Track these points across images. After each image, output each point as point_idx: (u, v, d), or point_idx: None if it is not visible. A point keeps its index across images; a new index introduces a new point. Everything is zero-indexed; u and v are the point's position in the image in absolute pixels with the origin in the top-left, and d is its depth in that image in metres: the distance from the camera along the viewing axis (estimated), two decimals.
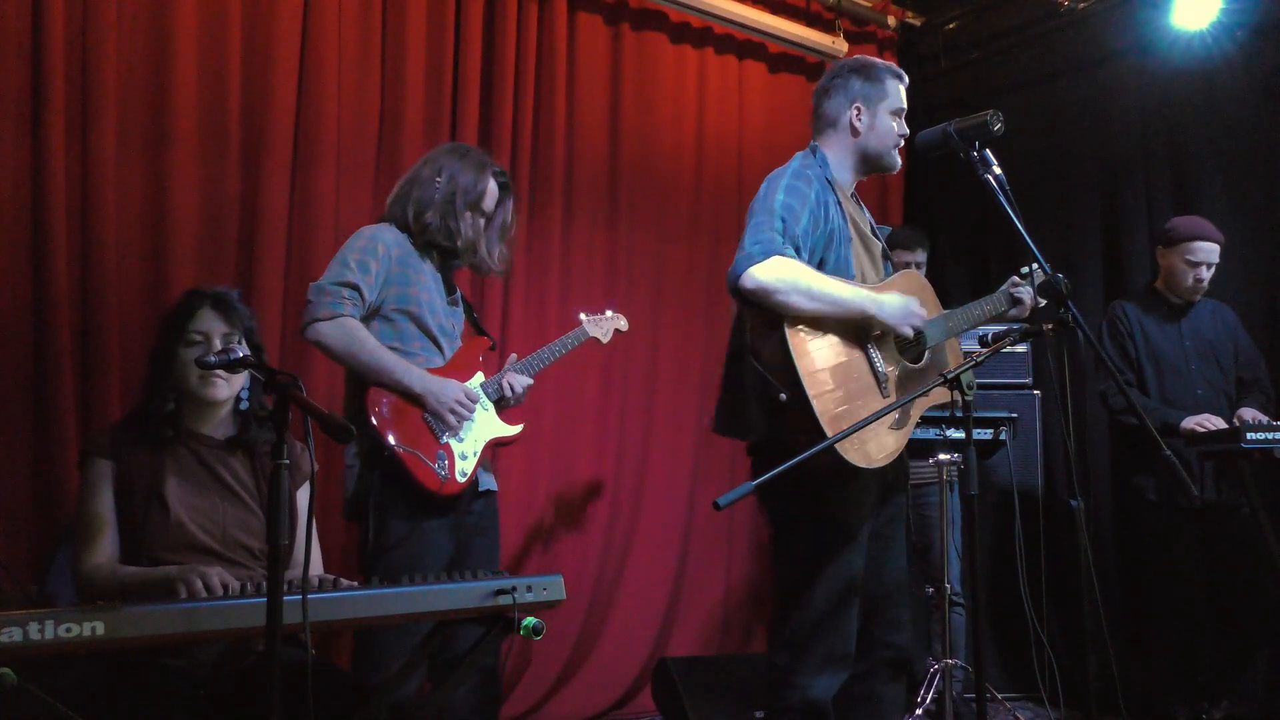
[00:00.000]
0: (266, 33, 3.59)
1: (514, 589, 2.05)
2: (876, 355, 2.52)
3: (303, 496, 2.41)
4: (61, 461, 3.06)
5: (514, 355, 3.13)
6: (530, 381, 3.04)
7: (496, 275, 3.15)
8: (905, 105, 2.68)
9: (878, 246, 2.74)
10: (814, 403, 2.35)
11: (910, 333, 2.48)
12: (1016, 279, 2.78)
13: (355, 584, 2.11)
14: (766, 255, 2.38)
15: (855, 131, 2.65)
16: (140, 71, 3.38)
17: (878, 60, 2.72)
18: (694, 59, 4.75)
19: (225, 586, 1.98)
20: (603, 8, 4.51)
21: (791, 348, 2.37)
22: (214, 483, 2.28)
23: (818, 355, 2.42)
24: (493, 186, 2.97)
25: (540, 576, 2.13)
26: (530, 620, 2.06)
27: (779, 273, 2.36)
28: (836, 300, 2.42)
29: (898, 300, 2.50)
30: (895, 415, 2.49)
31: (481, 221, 2.95)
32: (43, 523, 3.05)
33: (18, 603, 2.28)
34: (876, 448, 2.44)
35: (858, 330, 2.49)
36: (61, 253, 3.15)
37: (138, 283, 3.32)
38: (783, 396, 2.38)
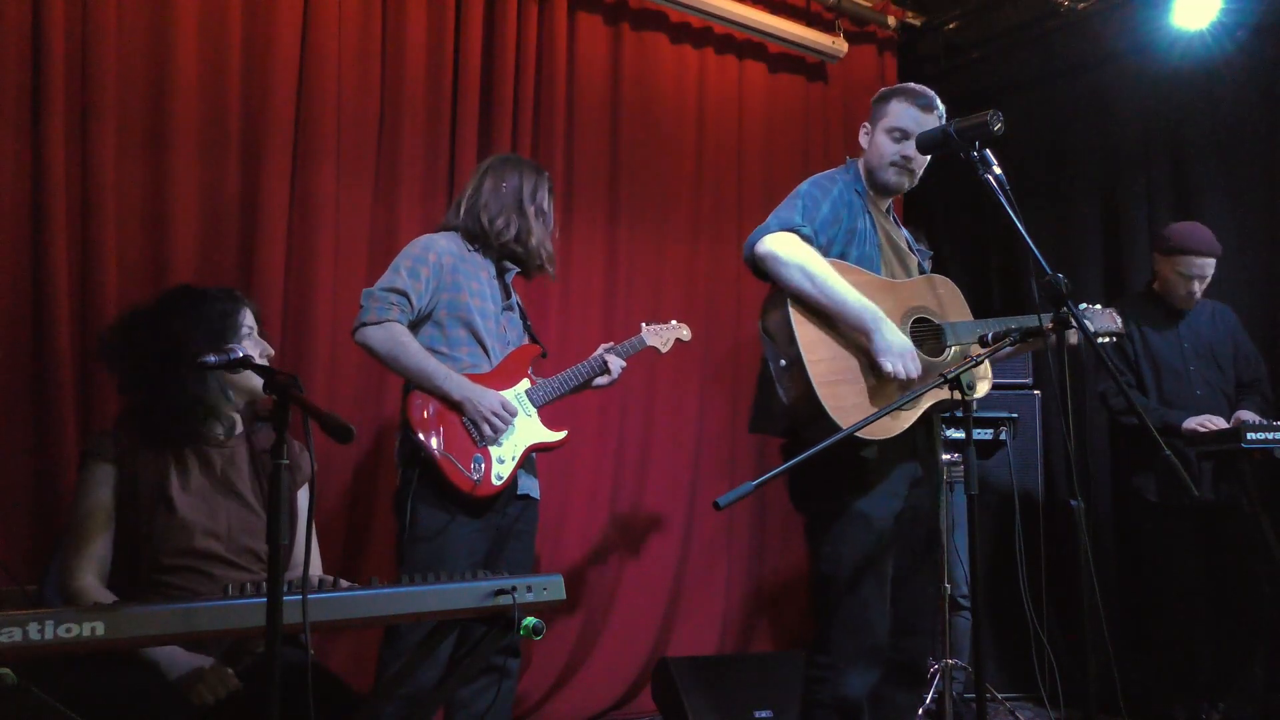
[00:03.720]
0: (266, 32, 3.59)
1: (514, 589, 2.05)
2: None
3: (303, 497, 2.41)
4: (61, 462, 3.05)
5: (610, 344, 3.26)
6: (623, 363, 3.22)
7: (550, 275, 3.17)
8: (909, 128, 2.68)
9: (914, 261, 2.78)
10: (809, 368, 2.42)
11: (889, 370, 2.46)
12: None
13: (355, 584, 2.10)
14: (782, 228, 2.52)
15: (862, 148, 2.78)
16: (140, 71, 3.38)
17: (903, 85, 2.80)
18: (694, 59, 4.74)
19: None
20: (603, 8, 4.50)
21: (793, 316, 2.47)
22: (218, 485, 2.28)
23: (818, 326, 2.49)
24: (548, 189, 3.08)
25: (540, 576, 2.13)
26: (530, 620, 2.06)
27: (788, 246, 2.49)
28: (835, 297, 2.46)
29: (902, 340, 2.49)
30: (897, 394, 2.51)
31: (544, 224, 3.05)
32: (43, 523, 3.05)
33: (18, 603, 2.28)
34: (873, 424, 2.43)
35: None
36: (61, 253, 3.15)
37: (138, 283, 3.31)
38: (783, 361, 2.48)
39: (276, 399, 1.79)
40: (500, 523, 2.92)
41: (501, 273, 3.03)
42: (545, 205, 3.05)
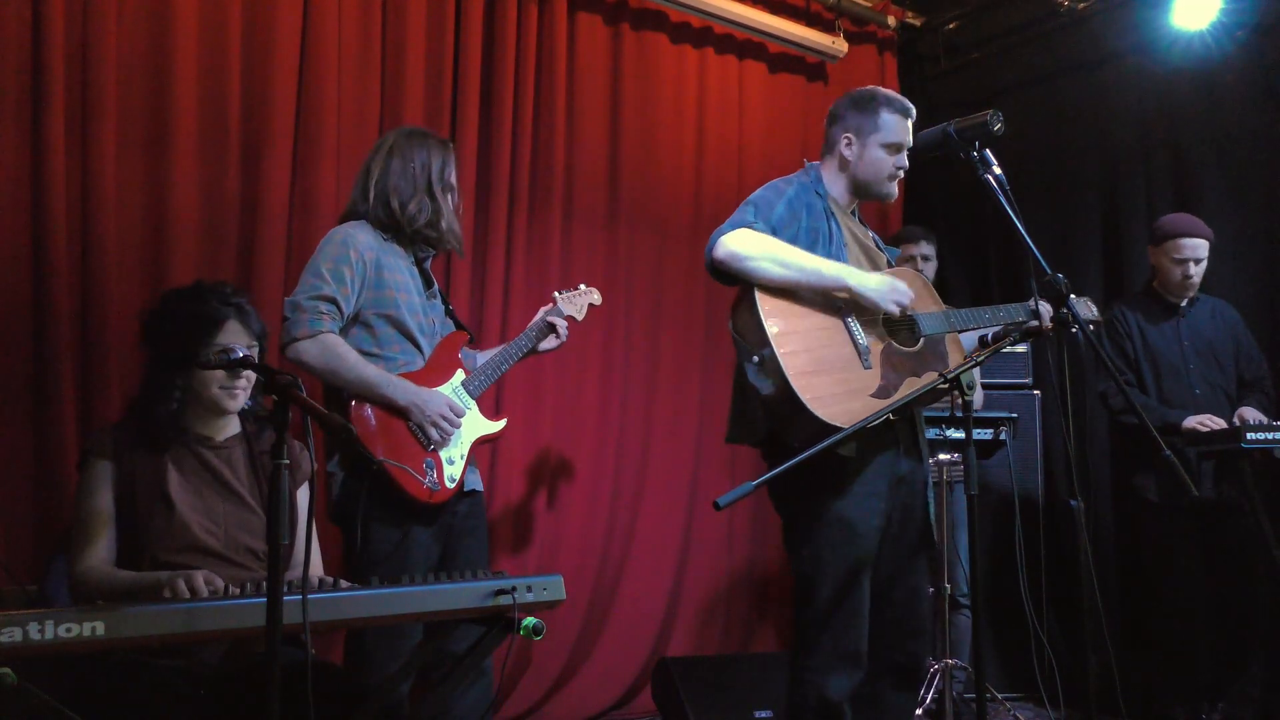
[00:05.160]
0: (266, 33, 3.59)
1: (514, 589, 2.05)
2: (856, 326, 2.55)
3: (303, 496, 2.41)
4: (61, 461, 3.05)
5: (548, 306, 3.17)
6: (565, 323, 3.12)
7: (459, 254, 3.14)
8: (904, 140, 2.68)
9: (883, 259, 2.76)
10: (782, 360, 2.40)
11: (895, 310, 2.48)
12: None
13: (355, 584, 2.10)
14: (735, 228, 2.50)
15: (844, 161, 2.71)
16: (140, 71, 3.38)
17: (882, 92, 2.74)
18: (694, 59, 4.75)
19: (213, 588, 1.97)
20: (603, 8, 4.50)
21: (760, 309, 2.45)
22: (215, 483, 2.28)
23: (789, 318, 2.48)
24: (455, 163, 2.94)
25: (540, 576, 2.13)
26: (530, 620, 2.06)
27: (748, 239, 2.48)
28: (808, 269, 2.47)
29: (881, 277, 2.51)
30: (876, 384, 2.51)
31: (453, 202, 2.92)
32: (43, 523, 3.05)
33: (18, 603, 2.28)
34: (845, 413, 2.41)
35: (837, 302, 2.54)
36: (61, 253, 3.14)
37: (138, 282, 3.31)
38: (755, 358, 2.45)
39: (276, 399, 1.80)
40: (451, 523, 2.82)
41: (420, 260, 2.90)
42: (453, 181, 2.91)
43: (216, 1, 3.51)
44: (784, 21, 4.87)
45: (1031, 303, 2.75)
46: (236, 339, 2.27)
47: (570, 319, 3.24)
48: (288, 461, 1.74)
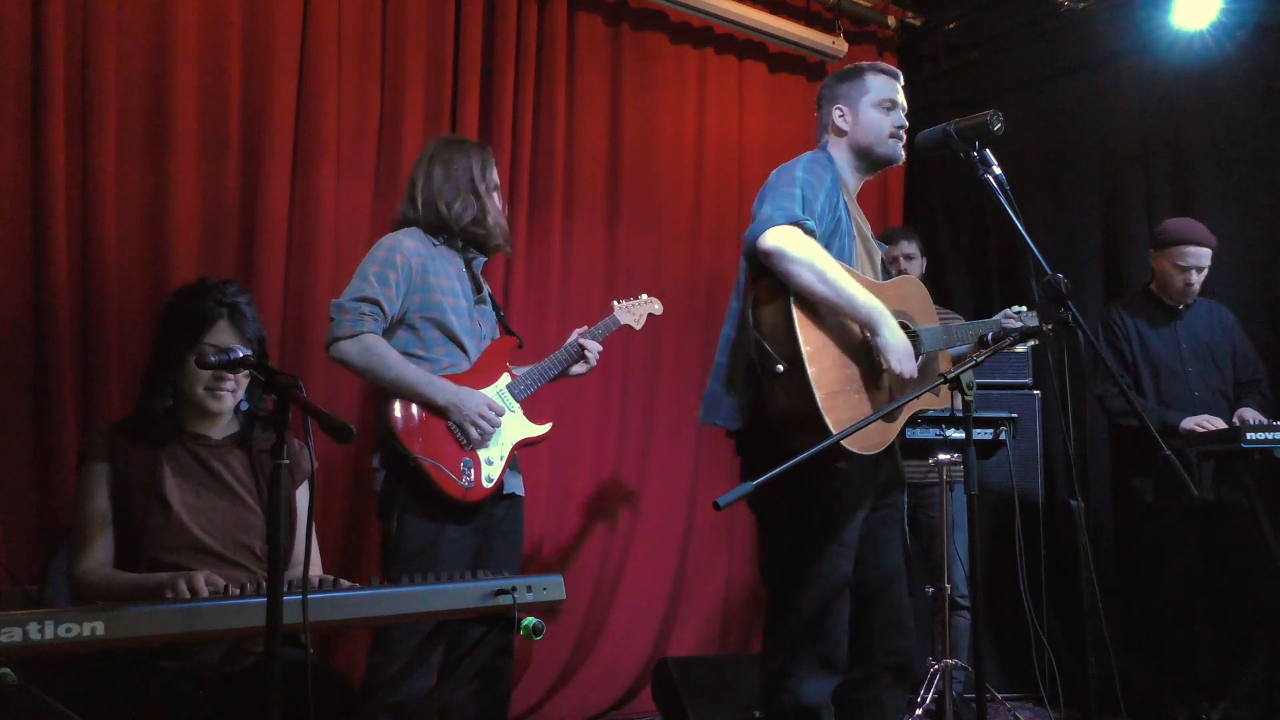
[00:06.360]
0: (266, 33, 3.59)
1: (514, 589, 2.05)
2: (874, 345, 2.51)
3: (302, 495, 2.41)
4: (61, 462, 3.05)
5: (584, 327, 3.17)
6: (600, 346, 3.11)
7: (506, 253, 3.20)
8: (896, 98, 2.68)
9: (878, 254, 2.76)
10: (811, 376, 2.32)
11: (897, 370, 2.43)
12: (1009, 312, 2.89)
13: (355, 584, 2.10)
14: (788, 221, 2.40)
15: (840, 131, 2.69)
16: (140, 71, 3.38)
17: (865, 63, 2.76)
18: (694, 59, 4.75)
19: (213, 588, 1.97)
20: (603, 8, 4.51)
21: (795, 318, 2.37)
22: (213, 482, 2.28)
23: (820, 331, 2.40)
24: (493, 166, 3.00)
25: (540, 576, 2.13)
26: (530, 620, 2.06)
27: (798, 241, 2.38)
28: (845, 294, 2.39)
29: (905, 339, 2.47)
30: (886, 403, 2.49)
31: (497, 201, 2.98)
32: (43, 523, 3.05)
33: (18, 603, 2.28)
34: (861, 436, 2.37)
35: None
36: (61, 253, 3.15)
37: (138, 283, 3.32)
38: (780, 367, 2.36)
39: (277, 399, 1.80)
40: (487, 523, 2.85)
41: (469, 264, 2.96)
42: (496, 180, 2.98)
43: (216, 2, 3.51)
44: (784, 21, 4.88)
45: (999, 317, 2.80)
46: (225, 340, 2.25)
47: (627, 327, 3.27)
48: (287, 461, 1.74)
